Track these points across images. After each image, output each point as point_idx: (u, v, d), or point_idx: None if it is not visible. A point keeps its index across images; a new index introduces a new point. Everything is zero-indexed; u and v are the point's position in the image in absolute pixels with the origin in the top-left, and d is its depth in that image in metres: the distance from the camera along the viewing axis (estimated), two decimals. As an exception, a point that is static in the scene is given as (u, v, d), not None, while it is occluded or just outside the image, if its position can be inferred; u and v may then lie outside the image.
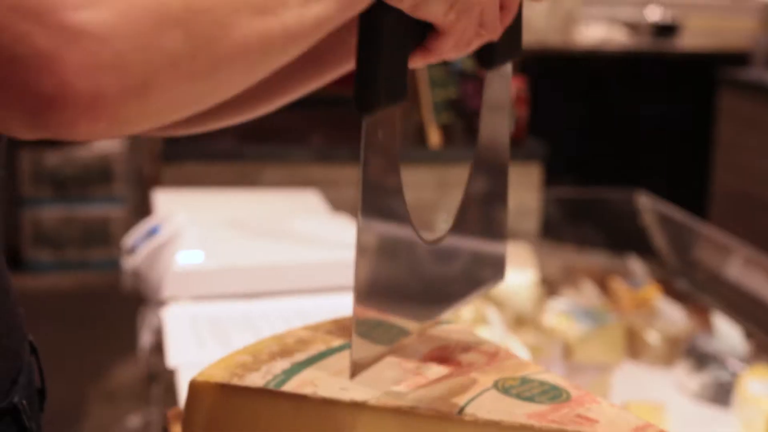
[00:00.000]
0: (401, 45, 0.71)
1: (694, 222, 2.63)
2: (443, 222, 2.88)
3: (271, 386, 0.76)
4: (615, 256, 2.73)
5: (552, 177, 3.26)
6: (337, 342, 0.85)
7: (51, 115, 0.54)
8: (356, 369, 0.75)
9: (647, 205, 2.77)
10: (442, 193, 2.93)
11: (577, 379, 2.02)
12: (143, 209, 2.99)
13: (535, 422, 0.72)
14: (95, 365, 3.97)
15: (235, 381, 0.77)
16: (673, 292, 2.54)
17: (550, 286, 2.57)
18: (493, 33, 0.77)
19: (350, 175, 2.84)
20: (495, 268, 0.89)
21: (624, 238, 2.81)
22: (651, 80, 5.33)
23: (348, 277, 1.78)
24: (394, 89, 0.71)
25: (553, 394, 0.77)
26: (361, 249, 0.72)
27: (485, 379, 0.79)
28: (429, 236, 0.81)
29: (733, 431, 1.93)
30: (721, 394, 2.07)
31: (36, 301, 4.74)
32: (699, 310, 2.45)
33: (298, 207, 2.25)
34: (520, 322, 2.34)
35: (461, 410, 0.73)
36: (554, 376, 0.81)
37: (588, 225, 2.89)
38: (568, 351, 2.24)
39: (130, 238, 1.87)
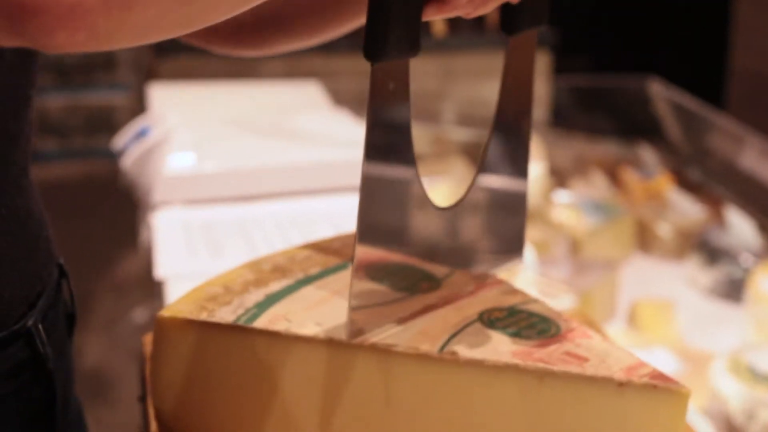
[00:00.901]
0: None
1: (707, 110, 2.55)
2: (448, 113, 2.81)
3: (242, 322, 0.71)
4: (626, 145, 2.66)
5: (563, 61, 3.17)
6: (315, 269, 0.80)
7: (29, 22, 0.53)
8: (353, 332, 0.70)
9: (660, 92, 2.69)
10: (447, 82, 2.85)
11: (585, 276, 1.98)
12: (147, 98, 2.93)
13: (519, 361, 0.67)
14: (102, 257, 3.95)
15: (205, 316, 0.72)
16: (685, 183, 2.48)
17: (559, 178, 2.51)
18: None
19: (352, 66, 2.76)
20: (513, 244, 0.83)
21: (636, 126, 2.74)
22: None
23: (347, 177, 1.72)
24: (405, 41, 0.66)
25: (542, 328, 0.72)
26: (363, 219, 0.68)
27: (471, 311, 0.74)
28: (441, 200, 0.76)
29: (744, 328, 1.89)
30: (733, 290, 2.03)
31: (41, 191, 4.71)
32: (712, 202, 2.39)
33: (299, 100, 2.18)
34: (528, 216, 2.29)
35: (441, 348, 0.68)
36: (544, 306, 0.76)
37: (599, 113, 2.82)
38: (576, 246, 2.19)
39: (121, 139, 1.81)
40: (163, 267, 1.40)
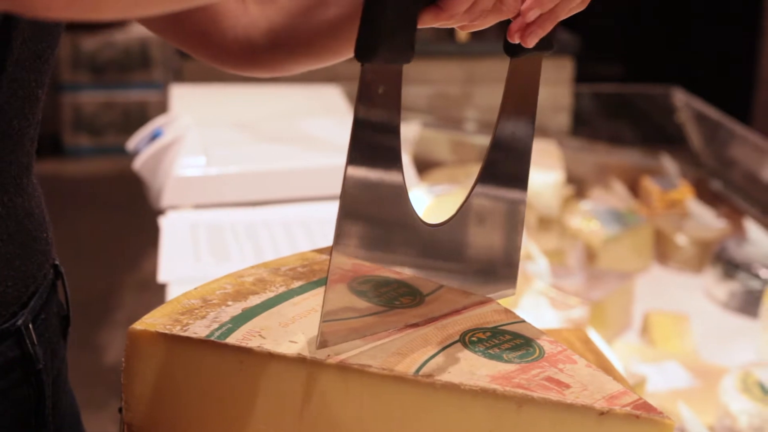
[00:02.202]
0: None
1: (731, 121, 2.52)
2: (470, 119, 2.79)
3: (215, 337, 0.69)
4: (648, 154, 2.63)
5: (589, 69, 3.14)
6: (297, 282, 0.78)
7: None
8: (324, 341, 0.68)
9: (683, 101, 2.66)
10: (469, 87, 2.82)
11: (599, 286, 1.95)
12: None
13: (498, 386, 0.65)
14: (130, 253, 3.96)
15: (178, 330, 0.70)
16: (706, 194, 2.45)
17: (579, 186, 2.48)
18: (511, 11, 0.70)
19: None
20: (504, 276, 0.80)
21: (658, 135, 2.70)
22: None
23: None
24: (398, 44, 0.65)
25: (525, 351, 0.70)
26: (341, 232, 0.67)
27: (453, 330, 0.72)
28: (434, 214, 0.73)
29: (760, 344, 1.85)
30: (750, 304, 1.99)
31: (75, 186, 4.74)
32: (732, 214, 2.36)
33: (316, 104, 2.16)
34: (544, 224, 2.26)
35: (418, 369, 0.66)
36: (530, 327, 0.74)
37: (621, 121, 2.79)
38: (591, 255, 2.16)
39: (134, 140, 1.81)
40: (166, 271, 1.39)
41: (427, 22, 0.69)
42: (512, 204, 0.77)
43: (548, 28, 0.71)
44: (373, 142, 0.67)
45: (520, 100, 0.76)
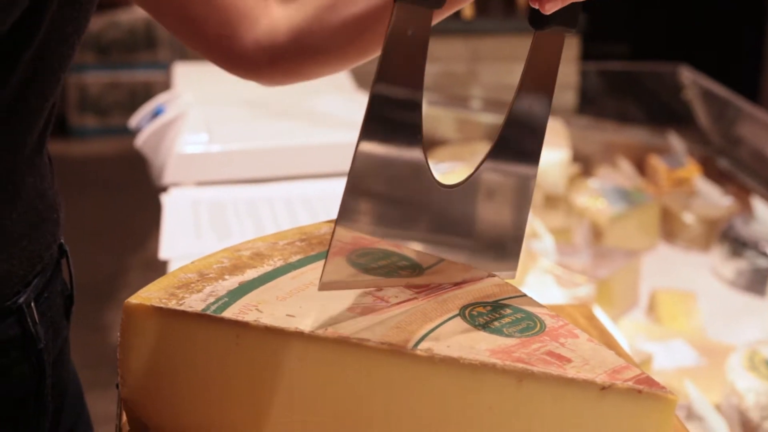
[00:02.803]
0: None
1: (738, 99, 2.49)
2: (475, 97, 2.77)
3: (211, 311, 0.68)
4: (655, 132, 2.61)
5: (595, 46, 3.11)
6: (295, 256, 0.77)
7: None
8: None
9: (690, 79, 2.63)
10: (474, 65, 2.80)
11: (605, 264, 1.94)
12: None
13: (497, 360, 0.64)
14: (137, 232, 3.96)
15: (173, 304, 0.69)
16: (713, 172, 2.43)
17: (585, 164, 2.46)
18: None
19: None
20: (508, 254, 0.77)
21: (665, 113, 2.68)
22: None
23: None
24: None
25: (526, 325, 0.68)
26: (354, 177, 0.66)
27: (453, 304, 0.71)
28: (445, 178, 0.72)
29: (766, 322, 1.84)
30: (757, 282, 1.98)
31: (81, 166, 4.74)
32: (740, 192, 2.34)
33: (321, 82, 2.14)
34: (550, 202, 2.25)
35: (417, 343, 0.65)
36: (531, 302, 0.72)
37: (629, 100, 2.76)
38: (598, 233, 2.15)
39: (136, 117, 1.79)
40: (167, 248, 1.38)
41: None
42: (523, 179, 0.76)
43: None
44: (393, 102, 0.66)
45: (540, 76, 0.75)
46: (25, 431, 0.84)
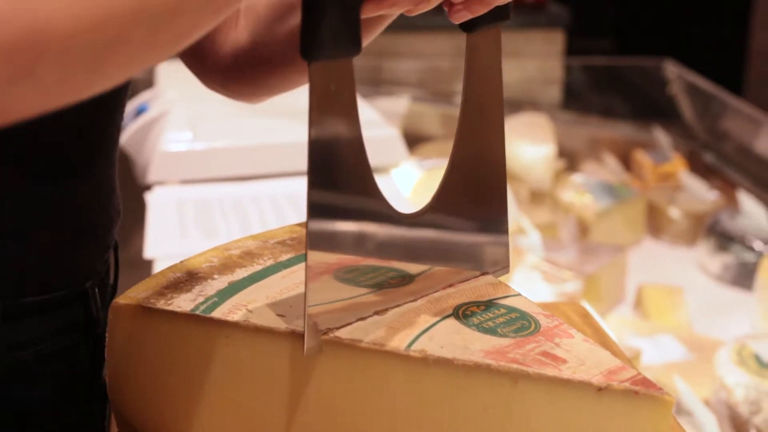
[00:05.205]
0: None
1: (724, 93, 2.49)
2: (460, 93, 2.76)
3: (200, 311, 0.67)
4: (640, 127, 2.60)
5: (580, 42, 3.11)
6: (286, 255, 0.76)
7: None
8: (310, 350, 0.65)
9: (675, 73, 2.63)
10: (459, 61, 2.79)
11: (592, 260, 1.94)
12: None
13: (492, 361, 0.63)
14: (121, 230, 3.93)
15: (161, 304, 0.68)
16: (699, 166, 2.43)
17: (571, 160, 2.46)
18: None
19: (378, 45, 2.71)
20: (495, 258, 0.76)
21: (650, 108, 2.68)
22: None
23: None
24: (343, 38, 0.61)
25: (520, 325, 0.67)
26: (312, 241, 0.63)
27: (446, 304, 0.70)
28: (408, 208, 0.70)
29: (754, 317, 1.84)
30: (744, 277, 1.98)
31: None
32: (725, 186, 2.34)
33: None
34: (536, 198, 2.24)
35: (410, 344, 0.64)
36: (525, 301, 0.71)
37: (613, 94, 2.76)
38: (584, 229, 2.15)
39: (119, 114, 1.78)
40: (152, 247, 1.37)
41: (371, 12, 0.66)
42: (491, 173, 0.74)
43: (478, 11, 0.68)
44: (333, 148, 0.63)
45: (483, 76, 0.73)
46: (81, 415, 0.83)
